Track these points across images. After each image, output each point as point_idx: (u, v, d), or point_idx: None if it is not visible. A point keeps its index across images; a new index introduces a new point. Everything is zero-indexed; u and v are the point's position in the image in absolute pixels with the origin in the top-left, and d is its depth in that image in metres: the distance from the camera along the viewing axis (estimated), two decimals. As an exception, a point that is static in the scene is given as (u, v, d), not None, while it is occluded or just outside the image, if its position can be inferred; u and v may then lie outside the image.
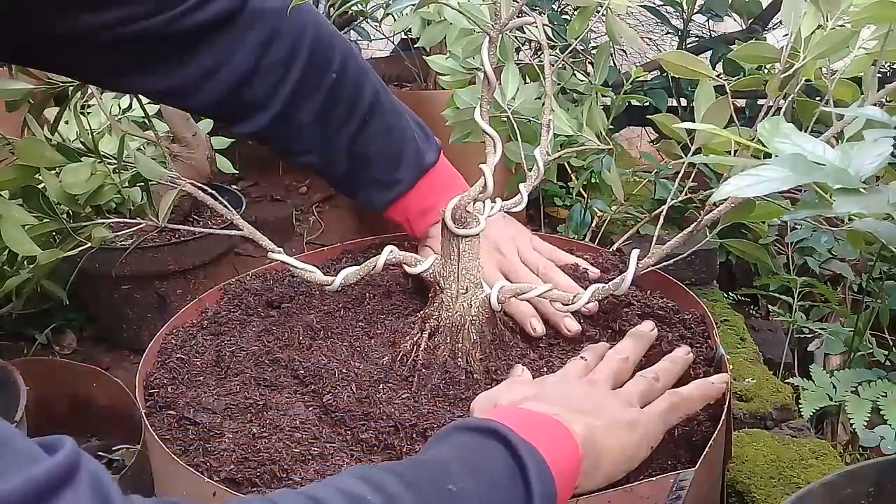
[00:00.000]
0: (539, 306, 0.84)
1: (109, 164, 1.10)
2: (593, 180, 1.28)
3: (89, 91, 1.13)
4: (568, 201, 1.49)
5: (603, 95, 1.13)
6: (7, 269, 1.08)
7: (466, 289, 0.77)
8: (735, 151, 0.73)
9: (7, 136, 0.98)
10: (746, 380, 1.05)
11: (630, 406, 0.66)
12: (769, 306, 1.48)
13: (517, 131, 0.96)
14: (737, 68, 1.54)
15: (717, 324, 0.86)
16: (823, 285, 1.32)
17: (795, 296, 1.30)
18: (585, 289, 0.88)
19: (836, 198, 0.43)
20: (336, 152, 0.90)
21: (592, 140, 1.05)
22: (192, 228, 1.20)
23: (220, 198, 0.84)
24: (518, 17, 0.80)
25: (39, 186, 0.95)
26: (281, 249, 0.83)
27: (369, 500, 0.47)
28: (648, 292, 0.89)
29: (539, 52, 1.09)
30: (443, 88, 1.13)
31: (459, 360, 0.76)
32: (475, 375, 0.76)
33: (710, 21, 1.83)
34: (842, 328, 1.20)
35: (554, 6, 1.62)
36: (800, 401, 0.98)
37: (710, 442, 0.67)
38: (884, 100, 0.67)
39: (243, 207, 1.36)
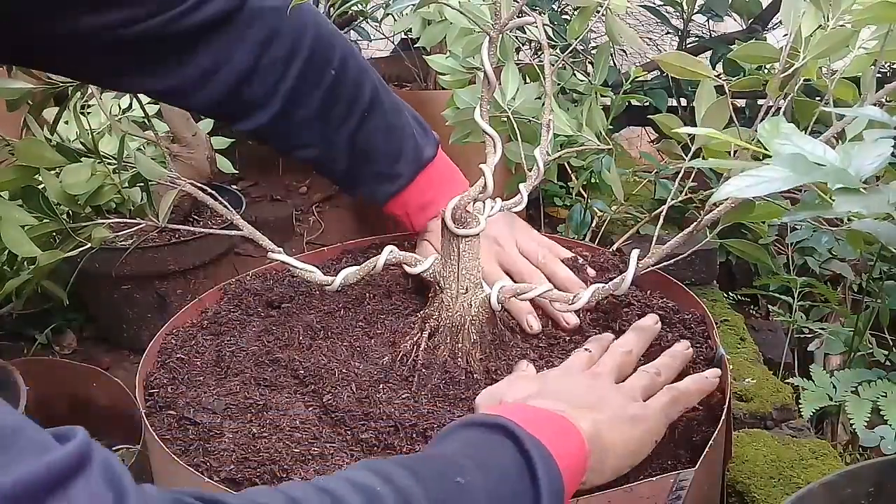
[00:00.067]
0: (537, 300, 0.84)
1: (109, 164, 1.10)
2: (593, 180, 1.28)
3: (89, 91, 1.13)
4: (568, 201, 1.49)
5: (603, 95, 1.13)
6: (7, 269, 1.08)
7: (466, 289, 0.77)
8: (735, 152, 0.73)
9: (7, 138, 0.98)
10: (746, 380, 1.05)
11: (634, 400, 0.67)
12: (769, 306, 1.48)
13: (517, 131, 0.96)
14: (737, 68, 1.54)
15: (717, 324, 0.86)
16: (823, 285, 1.32)
17: (795, 296, 1.30)
18: (584, 280, 0.89)
19: (836, 198, 0.43)
20: (336, 149, 0.91)
21: (592, 140, 1.05)
22: (192, 228, 1.20)
23: (220, 198, 0.84)
24: (518, 17, 0.80)
25: (39, 187, 0.95)
26: (281, 249, 0.83)
27: (378, 491, 0.47)
28: (648, 292, 0.89)
29: (539, 52, 1.09)
30: (443, 88, 1.13)
31: (459, 360, 0.76)
32: (475, 375, 0.76)
33: (710, 21, 1.83)
34: (842, 328, 1.20)
35: (554, 6, 1.62)
36: (800, 401, 0.98)
37: (710, 442, 0.67)
38: (883, 100, 0.67)
39: (243, 207, 1.36)
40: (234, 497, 0.43)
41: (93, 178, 1.06)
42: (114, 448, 1.12)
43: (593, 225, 1.32)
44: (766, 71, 1.14)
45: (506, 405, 0.66)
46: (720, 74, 1.56)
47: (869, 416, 0.90)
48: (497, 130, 0.83)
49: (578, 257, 0.92)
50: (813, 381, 0.98)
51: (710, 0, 1.71)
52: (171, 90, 0.86)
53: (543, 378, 0.71)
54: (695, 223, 0.73)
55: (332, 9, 1.67)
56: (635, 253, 0.77)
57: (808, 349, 1.31)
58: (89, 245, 0.94)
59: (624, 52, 2.29)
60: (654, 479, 0.63)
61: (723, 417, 0.70)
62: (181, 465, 0.66)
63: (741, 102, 1.64)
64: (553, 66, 0.89)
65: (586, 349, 0.75)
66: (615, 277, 0.78)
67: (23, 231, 0.91)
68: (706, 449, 0.66)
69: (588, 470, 0.59)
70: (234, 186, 1.62)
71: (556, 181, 1.27)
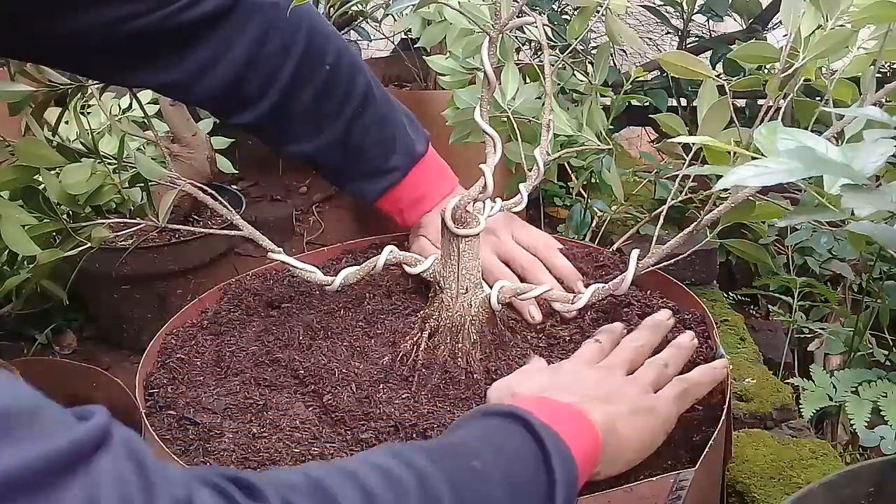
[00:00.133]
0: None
1: (109, 164, 1.10)
2: (593, 180, 1.28)
3: (89, 91, 1.13)
4: (568, 201, 1.49)
5: (603, 95, 1.13)
6: (7, 269, 1.08)
7: (466, 289, 0.77)
8: (735, 153, 0.73)
9: (7, 139, 0.98)
10: (746, 380, 1.05)
11: (645, 392, 0.67)
12: (769, 306, 1.48)
13: (517, 131, 0.96)
14: (737, 68, 1.54)
15: (717, 324, 0.86)
16: (823, 285, 1.32)
17: (795, 296, 1.30)
18: (580, 271, 0.90)
19: (843, 194, 0.42)
20: (330, 143, 0.91)
21: (592, 140, 1.05)
22: (192, 228, 1.20)
23: (220, 198, 0.84)
24: (518, 17, 0.80)
25: (39, 187, 0.95)
26: (281, 249, 0.83)
27: (396, 472, 0.48)
28: (648, 292, 0.89)
29: (539, 52, 1.09)
30: (443, 88, 1.13)
31: (459, 360, 0.76)
32: (475, 375, 0.76)
33: (710, 21, 1.83)
34: (842, 328, 1.20)
35: (554, 6, 1.62)
36: (800, 401, 0.98)
37: (710, 442, 0.67)
38: (883, 100, 0.67)
39: (243, 207, 1.36)
40: (256, 476, 0.43)
41: (93, 178, 1.06)
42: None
43: (593, 225, 1.32)
44: (766, 71, 1.14)
45: (519, 397, 0.67)
46: (720, 74, 1.56)
47: (869, 416, 0.91)
48: (497, 130, 0.83)
49: (574, 247, 0.93)
50: (813, 381, 0.98)
51: (710, 0, 1.71)
52: (171, 84, 0.87)
53: (555, 370, 0.71)
54: (695, 223, 0.73)
55: (332, 9, 1.67)
56: (635, 253, 0.77)
57: (808, 349, 1.31)
58: (89, 245, 0.94)
59: (624, 52, 2.29)
60: (654, 479, 0.63)
61: (723, 417, 0.70)
62: (181, 465, 0.66)
63: (741, 102, 1.64)
64: (553, 66, 0.89)
65: (597, 340, 0.75)
66: (615, 277, 0.78)
67: (23, 230, 0.91)
68: (706, 449, 0.66)
69: (601, 461, 0.60)
70: (234, 186, 1.61)
71: (556, 181, 1.27)
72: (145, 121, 1.30)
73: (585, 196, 1.34)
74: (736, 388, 1.03)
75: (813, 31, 0.69)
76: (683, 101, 1.75)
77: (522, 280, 0.88)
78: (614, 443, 0.61)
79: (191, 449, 0.70)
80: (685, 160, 0.81)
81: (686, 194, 0.86)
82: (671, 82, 1.67)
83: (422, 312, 0.80)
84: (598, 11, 0.95)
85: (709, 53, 1.74)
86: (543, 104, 0.87)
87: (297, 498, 0.43)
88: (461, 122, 1.04)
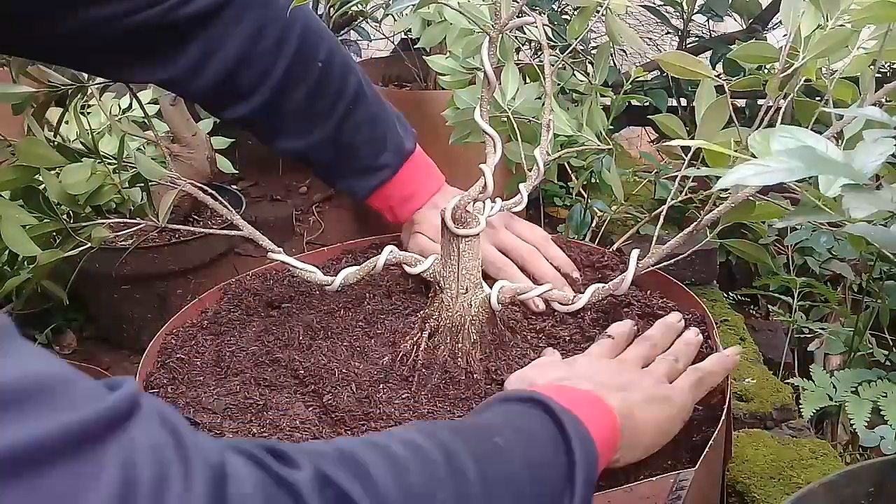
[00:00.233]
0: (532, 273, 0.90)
1: (109, 164, 1.10)
2: (593, 180, 1.28)
3: (89, 91, 1.13)
4: (568, 201, 1.49)
5: (603, 95, 1.13)
6: (7, 269, 1.08)
7: (466, 289, 0.77)
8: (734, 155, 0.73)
9: (8, 139, 0.98)
10: (746, 380, 1.05)
11: (660, 383, 0.68)
12: (769, 306, 1.48)
13: (517, 131, 0.96)
14: (737, 68, 1.54)
15: (717, 324, 0.86)
16: (823, 285, 1.32)
17: (795, 296, 1.30)
18: (581, 272, 0.90)
19: (844, 193, 0.42)
20: (322, 141, 0.92)
21: (592, 140, 1.05)
22: (192, 228, 1.20)
23: (220, 198, 0.84)
24: (518, 17, 0.80)
25: (40, 187, 0.95)
26: (281, 249, 0.83)
27: (424, 446, 0.49)
28: (648, 292, 0.89)
29: (539, 52, 1.09)
30: (443, 88, 1.13)
31: (459, 360, 0.76)
32: (475, 375, 0.76)
33: (710, 21, 1.83)
34: (842, 328, 1.20)
35: (554, 6, 1.62)
36: (800, 401, 0.98)
37: (710, 442, 0.67)
38: (882, 100, 0.67)
39: (243, 207, 1.36)
40: (288, 445, 0.44)
41: (93, 178, 1.06)
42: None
43: (593, 225, 1.32)
44: (766, 71, 1.14)
45: (537, 386, 0.67)
46: (720, 74, 1.56)
47: (869, 416, 0.90)
48: (497, 130, 0.83)
49: (574, 247, 0.94)
50: (813, 381, 0.98)
51: (710, 0, 1.71)
52: (169, 80, 0.88)
53: (571, 363, 0.72)
54: (695, 223, 0.73)
55: (332, 9, 1.67)
56: (635, 253, 0.77)
57: (808, 349, 1.31)
58: (89, 245, 0.94)
59: (624, 52, 2.29)
60: (654, 479, 0.63)
61: (723, 417, 0.70)
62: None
63: (741, 102, 1.64)
64: (553, 66, 0.89)
65: (609, 336, 0.76)
66: (615, 277, 0.78)
67: (23, 231, 0.91)
68: (706, 449, 0.66)
69: (620, 446, 0.60)
70: (234, 186, 1.61)
71: (556, 181, 1.27)
72: (145, 121, 1.30)
73: (585, 196, 1.34)
74: (736, 388, 1.03)
75: (813, 31, 0.69)
76: (683, 101, 1.75)
77: (522, 269, 0.90)
78: (632, 429, 0.62)
79: (191, 449, 0.70)
80: (685, 160, 0.81)
81: (686, 194, 0.86)
82: (671, 82, 1.66)
83: (422, 312, 0.80)
84: (598, 11, 0.95)
85: (709, 53, 1.74)
86: (543, 104, 0.87)
87: (328, 466, 0.44)
88: (461, 122, 1.04)
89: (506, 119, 0.98)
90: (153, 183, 1.00)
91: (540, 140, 0.86)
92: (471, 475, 0.49)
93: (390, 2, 1.48)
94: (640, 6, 1.90)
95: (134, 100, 1.29)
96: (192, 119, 1.29)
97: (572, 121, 1.05)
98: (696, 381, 0.70)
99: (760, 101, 0.93)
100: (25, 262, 1.07)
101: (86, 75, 1.07)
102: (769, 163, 0.43)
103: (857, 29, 0.67)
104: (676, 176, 0.81)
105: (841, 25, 0.67)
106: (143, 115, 1.29)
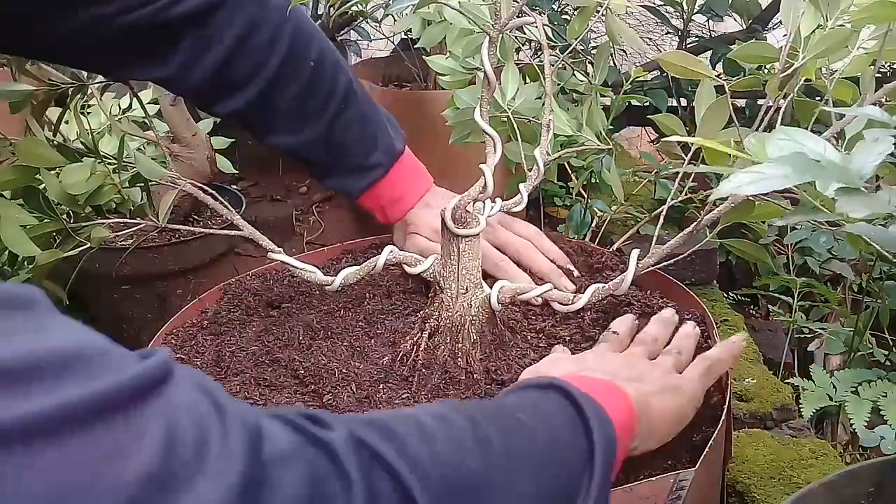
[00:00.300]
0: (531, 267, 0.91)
1: (109, 164, 1.10)
2: (593, 180, 1.28)
3: (89, 91, 1.13)
4: (568, 201, 1.49)
5: (603, 95, 1.13)
6: (7, 269, 1.08)
7: (466, 289, 0.77)
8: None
9: (8, 137, 0.98)
10: (746, 380, 1.05)
11: (670, 373, 0.69)
12: (769, 306, 1.48)
13: (517, 131, 0.96)
14: (737, 68, 1.54)
15: (717, 324, 0.86)
16: (823, 285, 1.32)
17: (795, 296, 1.30)
18: (580, 271, 0.91)
19: (838, 197, 0.42)
20: (314, 139, 0.92)
21: (592, 140, 1.05)
22: (192, 228, 1.20)
23: (220, 198, 0.84)
24: (518, 17, 0.80)
25: (40, 187, 0.95)
26: (281, 249, 0.83)
27: (451, 416, 0.51)
28: (648, 292, 0.89)
29: (539, 52, 1.08)
30: (443, 88, 1.13)
31: (459, 360, 0.76)
32: (475, 375, 0.76)
33: (710, 21, 1.83)
34: (842, 328, 1.20)
35: (554, 6, 1.62)
36: (800, 401, 0.98)
37: (710, 442, 0.67)
38: (882, 99, 0.67)
39: (243, 207, 1.36)
40: (323, 412, 0.46)
41: (93, 178, 1.06)
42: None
43: (593, 225, 1.32)
44: (766, 71, 1.14)
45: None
46: (720, 74, 1.56)
47: (869, 416, 0.90)
48: (497, 130, 0.83)
49: (574, 247, 0.95)
50: (813, 381, 0.98)
51: (710, 0, 1.71)
52: (167, 77, 0.88)
53: (582, 358, 0.73)
54: (695, 223, 0.73)
55: (332, 9, 1.67)
56: (635, 253, 0.77)
57: (808, 349, 1.31)
58: (89, 245, 0.94)
59: (624, 52, 2.29)
60: (654, 479, 0.63)
61: (723, 417, 0.70)
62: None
63: (741, 102, 1.64)
64: (553, 66, 0.89)
65: (614, 332, 0.76)
66: (615, 277, 0.78)
67: (23, 231, 0.91)
68: (706, 449, 0.66)
69: (637, 434, 0.61)
70: (234, 186, 1.61)
71: (556, 181, 1.27)
72: (145, 121, 1.30)
73: (585, 196, 1.34)
74: (736, 388, 1.03)
75: (813, 31, 0.69)
76: (683, 101, 1.75)
77: (517, 263, 0.91)
78: (647, 418, 0.62)
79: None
80: (684, 160, 0.81)
81: (686, 194, 0.86)
82: (671, 82, 1.66)
83: (422, 312, 0.80)
84: (598, 11, 0.95)
85: (709, 53, 1.74)
86: (543, 104, 0.87)
87: (362, 429, 0.45)
88: (461, 122, 1.04)
89: (506, 119, 0.98)
90: (153, 183, 1.00)
91: (540, 140, 0.86)
92: (496, 446, 0.50)
93: (390, 2, 1.48)
94: (640, 6, 1.90)
95: (134, 99, 1.29)
96: (193, 119, 1.29)
97: (572, 121, 1.05)
98: (706, 370, 0.70)
99: (760, 101, 0.93)
100: (25, 262, 1.07)
101: (86, 74, 1.07)
102: (764, 170, 0.43)
103: (856, 29, 0.67)
104: (676, 175, 0.81)
105: (841, 25, 0.67)
106: (143, 115, 1.29)
